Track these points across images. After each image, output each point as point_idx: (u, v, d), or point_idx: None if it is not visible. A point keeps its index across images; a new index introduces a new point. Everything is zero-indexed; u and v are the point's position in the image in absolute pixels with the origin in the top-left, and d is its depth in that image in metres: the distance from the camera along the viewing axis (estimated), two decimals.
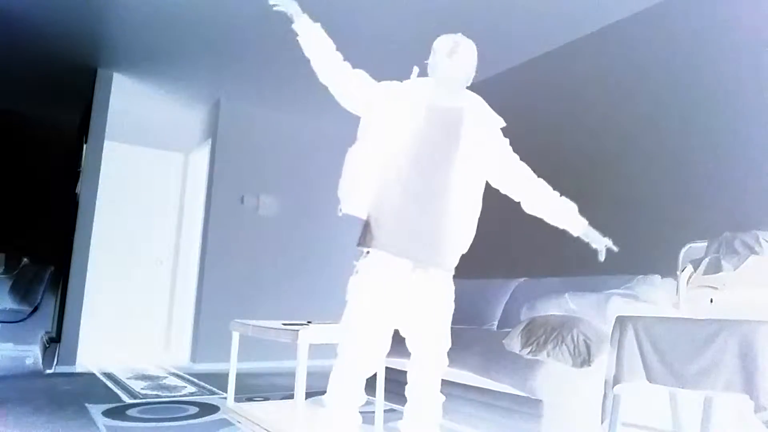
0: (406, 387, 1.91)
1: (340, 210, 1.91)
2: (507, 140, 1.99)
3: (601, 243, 2.01)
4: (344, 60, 1.89)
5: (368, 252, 1.80)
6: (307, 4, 1.88)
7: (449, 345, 1.87)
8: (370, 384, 2.06)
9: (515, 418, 2.65)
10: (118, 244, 5.94)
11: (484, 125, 1.90)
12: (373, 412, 2.79)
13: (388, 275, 1.77)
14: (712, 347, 1.73)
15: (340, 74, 1.87)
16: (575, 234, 2.04)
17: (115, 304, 5.86)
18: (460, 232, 1.84)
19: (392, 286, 1.78)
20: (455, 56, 1.81)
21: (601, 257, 2.00)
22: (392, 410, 3.02)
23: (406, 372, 1.93)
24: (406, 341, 1.88)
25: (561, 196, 2.03)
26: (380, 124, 1.85)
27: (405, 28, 3.90)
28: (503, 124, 1.95)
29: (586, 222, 2.04)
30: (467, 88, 1.95)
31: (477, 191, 1.88)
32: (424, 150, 1.81)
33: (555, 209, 2.03)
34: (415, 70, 1.87)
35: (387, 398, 2.86)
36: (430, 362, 1.86)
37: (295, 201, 5.83)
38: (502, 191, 2.02)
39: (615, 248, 2.02)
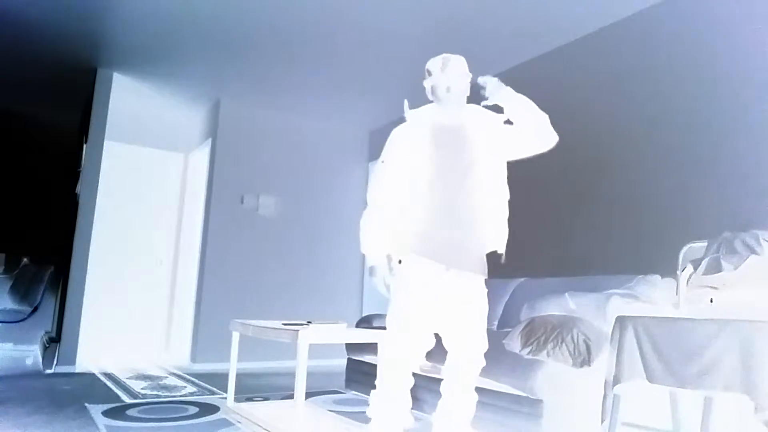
0: (441, 383, 2.02)
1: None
2: (504, 122, 2.06)
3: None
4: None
5: (400, 261, 1.98)
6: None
7: (486, 346, 1.97)
8: None
9: (515, 418, 2.65)
10: (118, 244, 5.94)
11: (486, 128, 2.04)
12: None
13: (423, 276, 1.94)
14: (712, 347, 1.73)
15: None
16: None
17: (115, 304, 5.85)
18: (486, 237, 2.00)
19: (427, 286, 1.94)
20: (447, 69, 2.01)
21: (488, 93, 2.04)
22: None
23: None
24: (443, 340, 2.00)
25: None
26: (400, 161, 2.06)
27: (406, 29, 3.90)
28: (503, 117, 2.07)
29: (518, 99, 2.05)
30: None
31: (498, 193, 2.03)
32: (442, 167, 2.00)
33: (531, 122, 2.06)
34: (406, 102, 2.13)
35: None
36: (463, 361, 1.98)
37: (295, 201, 5.83)
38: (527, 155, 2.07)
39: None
